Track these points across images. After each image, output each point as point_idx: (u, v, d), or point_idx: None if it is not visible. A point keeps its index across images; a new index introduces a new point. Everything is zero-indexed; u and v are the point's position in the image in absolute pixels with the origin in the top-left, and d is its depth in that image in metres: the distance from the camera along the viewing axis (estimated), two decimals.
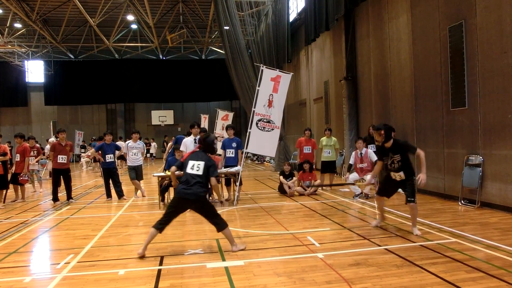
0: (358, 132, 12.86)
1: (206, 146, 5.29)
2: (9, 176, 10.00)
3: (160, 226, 5.01)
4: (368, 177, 8.98)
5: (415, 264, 4.36)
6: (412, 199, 5.65)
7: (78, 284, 4.13)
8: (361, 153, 9.30)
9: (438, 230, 5.91)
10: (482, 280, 3.86)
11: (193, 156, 5.21)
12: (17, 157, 10.14)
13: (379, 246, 5.14)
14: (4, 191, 9.70)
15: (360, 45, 12.77)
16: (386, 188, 6.12)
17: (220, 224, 5.05)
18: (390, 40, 10.91)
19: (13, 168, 10.21)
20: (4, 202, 9.66)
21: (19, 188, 10.39)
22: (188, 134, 9.30)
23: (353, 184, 8.74)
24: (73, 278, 4.34)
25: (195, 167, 5.02)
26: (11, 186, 10.16)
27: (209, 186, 5.30)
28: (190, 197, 4.92)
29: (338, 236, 5.79)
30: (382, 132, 5.67)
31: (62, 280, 4.26)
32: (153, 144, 25.38)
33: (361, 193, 9.10)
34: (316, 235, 5.80)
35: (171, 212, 5.07)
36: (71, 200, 9.81)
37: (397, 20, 10.47)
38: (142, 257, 4.92)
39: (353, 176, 9.22)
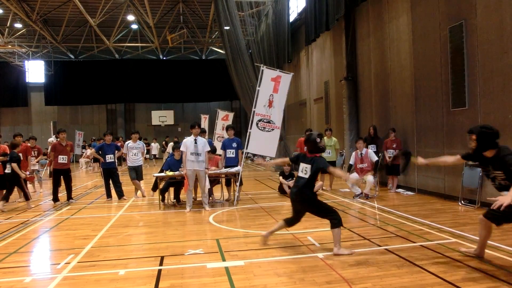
0: (358, 132, 12.86)
1: (311, 146, 5.11)
2: None
3: (289, 222, 5.27)
4: (368, 177, 9.00)
5: (415, 264, 4.36)
6: None
7: (78, 284, 4.13)
8: (361, 153, 9.29)
9: (438, 230, 5.91)
10: (482, 280, 3.86)
11: (303, 159, 5.18)
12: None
13: (379, 246, 5.14)
14: (4, 191, 9.69)
15: (360, 45, 12.77)
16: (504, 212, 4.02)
17: (334, 222, 4.89)
18: (390, 40, 10.91)
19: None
20: (7, 201, 9.63)
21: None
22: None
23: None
24: (74, 278, 4.34)
25: (303, 170, 5.09)
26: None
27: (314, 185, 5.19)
28: (296, 198, 5.09)
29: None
30: (474, 137, 4.20)
31: (62, 280, 4.26)
32: (155, 144, 25.01)
33: (361, 193, 9.10)
34: (316, 235, 5.80)
35: (293, 212, 5.29)
36: (71, 200, 9.82)
37: (398, 20, 10.47)
38: (265, 240, 5.38)
39: (353, 176, 9.21)
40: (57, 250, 5.63)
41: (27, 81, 28.56)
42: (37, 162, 11.95)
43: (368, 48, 12.18)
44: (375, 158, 9.28)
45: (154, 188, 9.92)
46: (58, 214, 8.31)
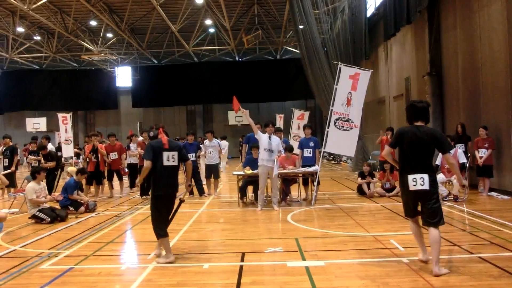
0: (444, 131, 12.01)
1: None
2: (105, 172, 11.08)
3: None
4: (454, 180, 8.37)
5: None
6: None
7: (167, 275, 4.41)
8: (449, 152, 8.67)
9: None
10: None
11: None
12: (114, 155, 11.10)
13: (472, 254, 4.76)
14: (100, 187, 10.73)
15: (445, 38, 11.92)
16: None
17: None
18: (481, 30, 10.03)
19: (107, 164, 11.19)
20: (117, 193, 10.69)
21: (119, 183, 11.50)
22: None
23: None
24: (163, 268, 4.64)
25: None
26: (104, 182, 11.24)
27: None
28: None
29: (424, 241, 5.46)
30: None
31: (153, 270, 4.58)
32: (224, 142, 23.22)
33: (449, 194, 8.50)
34: (399, 239, 5.53)
35: None
36: None
37: (489, 8, 9.59)
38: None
39: (440, 177, 8.62)
40: (147, 242, 6.04)
41: (116, 85, 31.16)
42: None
43: (455, 40, 11.32)
44: (463, 159, 8.61)
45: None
46: (146, 209, 8.91)
